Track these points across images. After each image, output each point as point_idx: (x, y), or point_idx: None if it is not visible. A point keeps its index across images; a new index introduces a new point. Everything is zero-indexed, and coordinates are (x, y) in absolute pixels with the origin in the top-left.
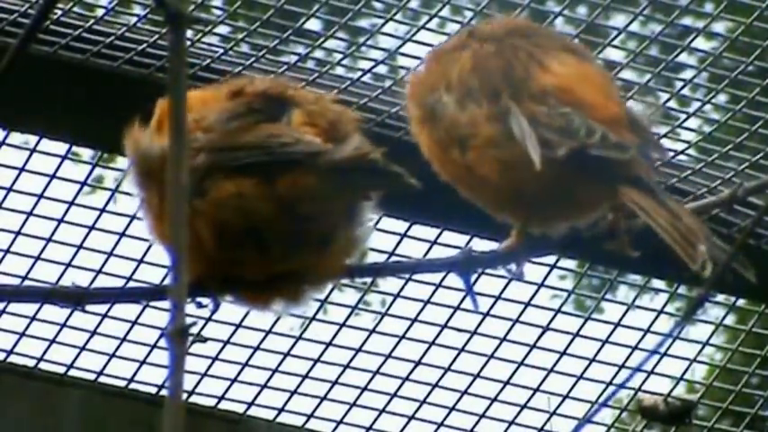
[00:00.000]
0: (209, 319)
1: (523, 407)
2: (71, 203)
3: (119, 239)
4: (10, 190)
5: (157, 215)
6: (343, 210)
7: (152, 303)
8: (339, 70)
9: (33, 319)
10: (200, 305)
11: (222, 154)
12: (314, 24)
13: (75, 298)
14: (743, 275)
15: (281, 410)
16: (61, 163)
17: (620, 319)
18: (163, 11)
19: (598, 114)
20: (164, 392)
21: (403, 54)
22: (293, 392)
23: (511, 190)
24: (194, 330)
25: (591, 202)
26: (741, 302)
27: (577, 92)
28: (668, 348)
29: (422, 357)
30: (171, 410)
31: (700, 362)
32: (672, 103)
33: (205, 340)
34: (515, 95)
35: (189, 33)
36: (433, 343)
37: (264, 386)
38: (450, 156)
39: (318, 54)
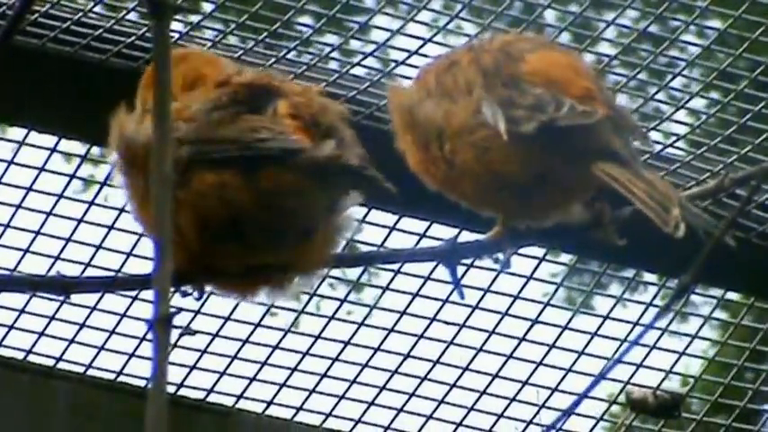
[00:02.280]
0: (197, 312)
1: (512, 400)
2: (60, 196)
3: (107, 232)
4: None
5: (142, 201)
6: (324, 204)
7: (140, 296)
8: (331, 64)
9: (22, 311)
10: (184, 294)
11: (203, 146)
12: (306, 18)
13: (63, 288)
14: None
15: (270, 403)
16: (50, 156)
17: (609, 313)
18: (147, 1)
19: (569, 90)
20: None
21: (394, 47)
22: (282, 385)
23: (490, 176)
24: (181, 321)
25: (570, 183)
26: (733, 296)
27: (548, 73)
28: (657, 341)
29: (410, 350)
30: (155, 399)
31: (690, 355)
32: (664, 99)
33: (194, 333)
34: (488, 86)
35: (179, 26)
36: (421, 336)
37: (253, 379)
38: (432, 153)
39: (313, 49)
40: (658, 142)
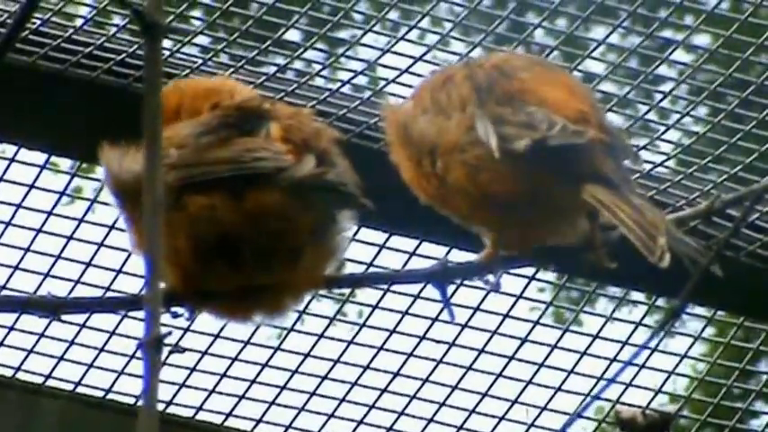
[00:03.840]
0: (186, 330)
1: (501, 418)
2: (49, 213)
3: (97, 250)
4: None
5: (139, 230)
6: (311, 226)
7: (130, 314)
8: (318, 81)
9: (11, 329)
10: (175, 315)
11: (195, 169)
12: (293, 35)
13: (52, 307)
14: (712, 274)
15: (258, 421)
16: (40, 173)
17: (599, 332)
18: (139, 21)
19: (563, 111)
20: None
21: (382, 65)
22: (271, 403)
23: (481, 195)
24: (171, 341)
25: (559, 204)
26: (720, 314)
27: (542, 93)
28: (647, 360)
29: (400, 369)
30: (145, 420)
31: (679, 374)
32: (651, 116)
33: (183, 351)
34: (481, 102)
35: (168, 43)
36: (411, 354)
37: (242, 397)
38: (424, 169)
39: (298, 65)
40: (647, 161)
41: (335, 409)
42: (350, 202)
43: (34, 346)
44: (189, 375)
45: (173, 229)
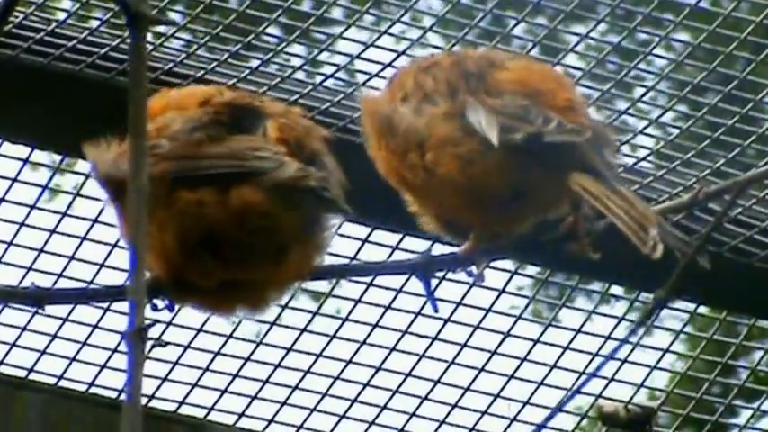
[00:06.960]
0: (169, 323)
1: (484, 413)
2: (32, 207)
3: (80, 243)
4: None
5: (128, 219)
6: (297, 225)
7: (113, 307)
8: (300, 75)
9: None
10: (155, 308)
11: (187, 162)
12: (275, 30)
13: (36, 298)
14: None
15: (241, 415)
16: (23, 167)
17: (581, 327)
18: (124, 12)
19: (553, 103)
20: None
21: (363, 59)
22: (254, 397)
23: (471, 188)
24: (154, 334)
25: (548, 197)
26: (702, 310)
27: (531, 83)
28: (628, 355)
29: (382, 363)
30: (129, 411)
31: (661, 369)
32: (633, 112)
33: (165, 344)
34: (472, 91)
35: (150, 38)
36: (393, 348)
37: (225, 391)
38: (410, 161)
39: (279, 60)
40: (627, 155)
41: (318, 403)
42: (330, 208)
43: (17, 340)
44: (171, 369)
45: (160, 223)
